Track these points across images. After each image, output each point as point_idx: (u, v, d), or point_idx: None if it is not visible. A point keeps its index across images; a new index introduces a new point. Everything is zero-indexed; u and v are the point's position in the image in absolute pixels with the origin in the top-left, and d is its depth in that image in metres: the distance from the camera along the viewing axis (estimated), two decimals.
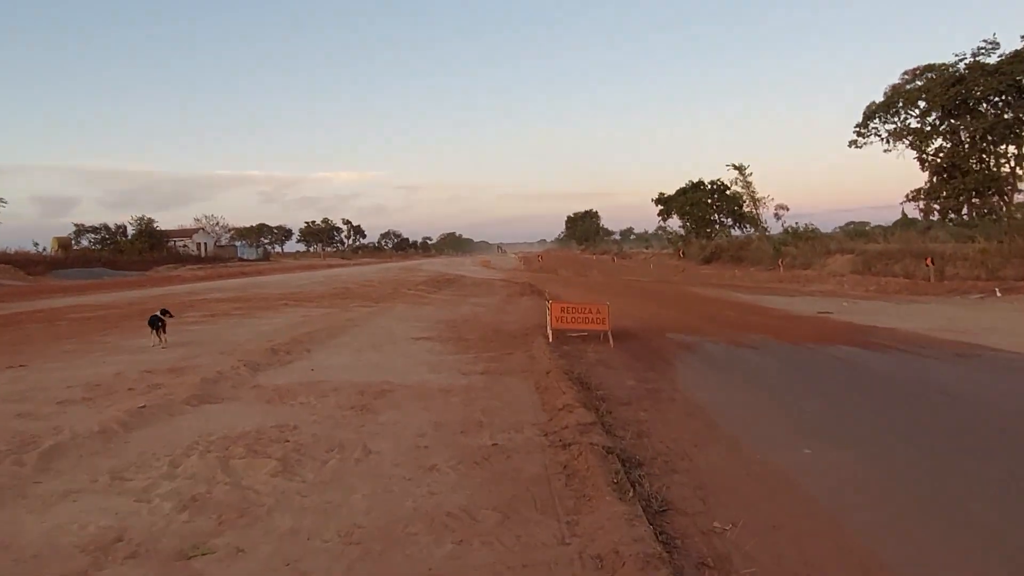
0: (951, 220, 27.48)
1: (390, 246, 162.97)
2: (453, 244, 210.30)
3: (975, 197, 25.83)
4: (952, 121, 25.48)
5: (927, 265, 22.62)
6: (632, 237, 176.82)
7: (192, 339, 12.47)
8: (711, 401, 7.24)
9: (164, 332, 11.45)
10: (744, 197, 52.16)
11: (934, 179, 26.81)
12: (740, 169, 51.51)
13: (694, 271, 44.42)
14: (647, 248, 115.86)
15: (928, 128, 26.28)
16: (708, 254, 50.56)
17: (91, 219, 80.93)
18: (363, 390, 7.65)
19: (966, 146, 25.29)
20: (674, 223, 68.41)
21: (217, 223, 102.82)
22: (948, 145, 26.08)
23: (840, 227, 46.19)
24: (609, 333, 11.37)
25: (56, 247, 74.71)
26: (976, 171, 24.83)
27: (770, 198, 51.47)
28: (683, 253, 49.11)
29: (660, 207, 70.08)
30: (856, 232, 52.68)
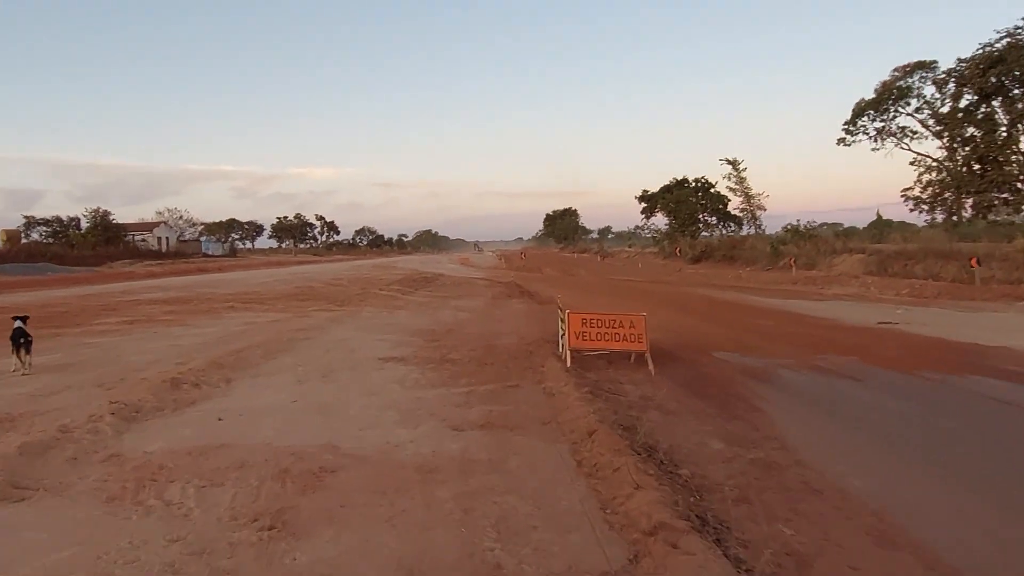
0: (984, 216, 24.94)
1: (365, 243, 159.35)
2: (430, 242, 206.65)
3: (1009, 192, 23.32)
4: (987, 107, 22.96)
5: (972, 266, 19.99)
6: (610, 236, 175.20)
7: (79, 359, 9.23)
8: (876, 492, 4.26)
9: (28, 352, 8.21)
10: (738, 193, 49.68)
11: (963, 171, 24.28)
12: (734, 164, 49.09)
13: (686, 271, 41.74)
14: (630, 247, 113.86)
15: (960, 115, 23.70)
16: (697, 253, 48.02)
17: (58, 212, 76.45)
18: (287, 469, 4.55)
19: (1002, 134, 22.76)
20: (658, 221, 66.28)
21: (180, 217, 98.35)
22: (980, 133, 23.54)
23: (783, 228, 44.18)
24: (649, 355, 8.38)
25: (5, 239, 70.01)
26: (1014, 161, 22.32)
27: (765, 195, 49.17)
28: (680, 251, 46.33)
29: (644, 204, 67.93)
30: (843, 232, 50.49)
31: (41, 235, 76.17)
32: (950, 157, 25.01)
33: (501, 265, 58.14)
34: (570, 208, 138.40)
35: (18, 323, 8.16)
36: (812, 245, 36.56)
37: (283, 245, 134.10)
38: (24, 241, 71.04)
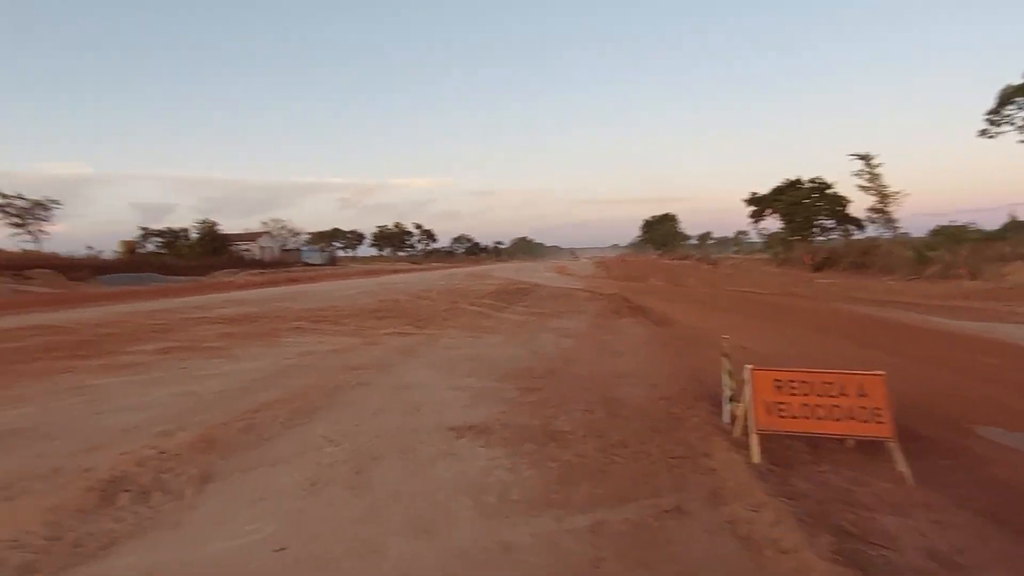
0: None
1: (462, 251, 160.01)
2: (525, 249, 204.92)
3: None
4: None
5: None
6: (711, 242, 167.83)
7: (45, 419, 6.72)
8: None
9: None
10: (871, 191, 43.81)
11: None
12: (866, 159, 43.32)
13: (812, 281, 36.75)
14: (735, 253, 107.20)
15: None
16: (820, 260, 42.67)
17: (185, 224, 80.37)
18: None
19: None
20: (768, 225, 60.84)
21: (283, 227, 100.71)
22: None
23: (930, 231, 38.07)
24: (896, 446, 4.93)
25: (123, 250, 73.29)
26: None
27: (902, 193, 43.15)
28: (812, 258, 41.15)
29: (752, 208, 62.68)
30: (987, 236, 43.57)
31: (156, 246, 79.59)
32: None
33: (600, 274, 54.49)
34: (668, 213, 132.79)
35: None
36: (972, 250, 30.96)
37: (382, 253, 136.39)
38: (140, 251, 74.23)
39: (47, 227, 62.40)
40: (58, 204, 63.78)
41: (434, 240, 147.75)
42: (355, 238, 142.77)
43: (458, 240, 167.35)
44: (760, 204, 59.78)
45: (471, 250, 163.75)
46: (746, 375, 5.28)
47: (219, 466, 4.94)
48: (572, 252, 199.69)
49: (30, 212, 60.89)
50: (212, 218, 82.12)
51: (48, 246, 59.50)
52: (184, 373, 9.43)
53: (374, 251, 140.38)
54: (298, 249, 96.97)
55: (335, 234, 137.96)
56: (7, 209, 59.01)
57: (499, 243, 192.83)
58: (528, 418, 6.44)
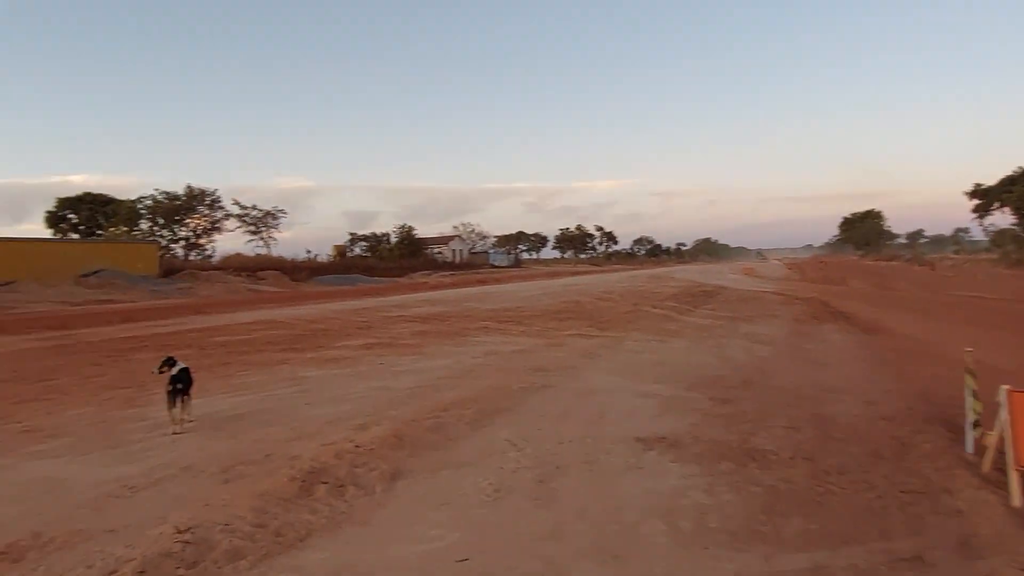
0: None
1: (643, 252, 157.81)
2: (708, 250, 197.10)
3: None
4: None
5: None
6: (923, 240, 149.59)
7: (261, 407, 7.36)
8: None
9: (187, 403, 6.41)
10: None
11: None
12: None
13: None
14: (955, 253, 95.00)
15: None
16: None
17: (387, 230, 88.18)
18: None
19: None
20: (997, 221, 52.86)
21: (473, 230, 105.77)
22: None
23: None
24: None
25: (335, 254, 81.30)
26: None
27: None
28: None
29: (977, 201, 54.92)
30: None
31: (362, 249, 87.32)
32: None
33: (793, 276, 50.65)
34: (872, 210, 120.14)
35: (177, 366, 6.39)
36: None
37: (564, 255, 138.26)
38: (349, 255, 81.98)
39: (276, 234, 71.18)
40: (284, 213, 72.35)
41: (615, 242, 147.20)
42: (539, 241, 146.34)
43: (639, 242, 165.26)
44: (986, 197, 52.27)
45: (652, 252, 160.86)
46: (1000, 397, 4.37)
47: (408, 464, 5.01)
48: (759, 253, 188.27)
49: (263, 221, 69.78)
50: (410, 223, 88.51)
51: (276, 250, 67.78)
52: (382, 369, 9.96)
53: (556, 253, 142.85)
54: (486, 252, 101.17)
55: (520, 237, 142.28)
56: (245, 219, 68.03)
57: (681, 245, 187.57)
58: (723, 432, 5.89)
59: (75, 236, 56.48)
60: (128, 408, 7.36)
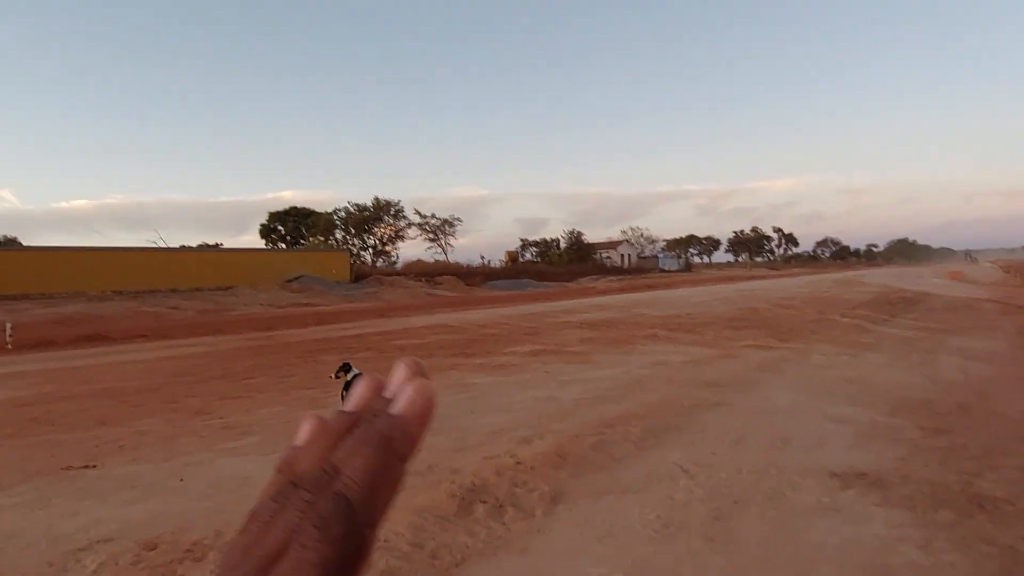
0: None
1: (827, 255, 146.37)
2: (904, 252, 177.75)
3: None
4: None
5: None
6: None
7: None
8: None
9: None
10: None
11: None
12: None
13: None
14: None
15: None
16: None
17: (557, 236, 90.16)
18: None
19: None
20: None
21: (641, 234, 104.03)
22: None
23: None
24: None
25: (507, 259, 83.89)
26: None
27: None
28: None
29: None
30: None
31: (532, 255, 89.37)
32: None
33: (1012, 281, 43.97)
34: None
35: (352, 373, 6.66)
36: None
37: (738, 259, 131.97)
38: (520, 260, 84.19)
39: (452, 241, 75.22)
40: (460, 221, 76.14)
41: (795, 244, 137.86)
42: (710, 244, 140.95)
43: (822, 243, 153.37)
44: None
45: (838, 254, 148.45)
46: None
47: (570, 486, 4.76)
48: (967, 255, 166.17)
49: (441, 229, 73.94)
50: (579, 229, 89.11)
51: (453, 256, 71.59)
52: (547, 377, 9.83)
53: (730, 257, 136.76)
54: (655, 256, 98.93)
55: (690, 241, 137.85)
56: (425, 227, 72.46)
57: (872, 246, 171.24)
58: (939, 471, 4.99)
59: (282, 246, 63.28)
60: (311, 409, 7.81)
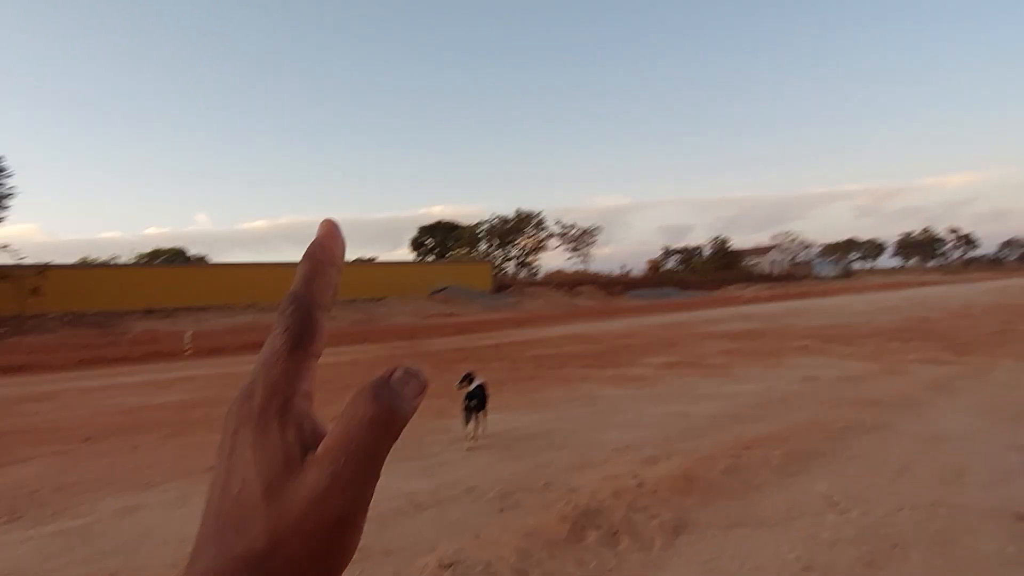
0: None
1: (1012, 258, 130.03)
2: None
3: None
4: None
5: None
6: None
7: (556, 426, 7.26)
8: None
9: (481, 420, 6.53)
10: None
11: None
12: None
13: None
14: None
15: None
16: None
17: (700, 243, 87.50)
18: None
19: None
20: None
21: (794, 239, 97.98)
22: None
23: None
24: None
25: (648, 268, 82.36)
26: None
27: None
28: None
29: None
30: None
31: (675, 263, 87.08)
32: None
33: None
34: None
35: (474, 383, 6.58)
36: None
37: (906, 264, 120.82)
38: (662, 268, 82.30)
39: (593, 250, 75.00)
40: (601, 231, 75.62)
41: (974, 246, 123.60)
42: (873, 249, 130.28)
43: (1007, 245, 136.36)
44: None
45: None
46: None
47: (695, 515, 4.32)
48: None
49: (582, 239, 74.00)
50: (724, 235, 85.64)
51: (593, 266, 71.41)
52: (681, 391, 9.29)
53: (896, 262, 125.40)
54: (809, 262, 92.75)
55: (850, 245, 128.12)
56: (566, 237, 72.87)
57: None
58: None
59: (430, 258, 66.12)
60: (437, 419, 7.85)
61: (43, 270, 30.18)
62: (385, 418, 0.34)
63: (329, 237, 0.41)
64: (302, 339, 0.37)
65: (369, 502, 0.35)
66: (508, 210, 65.82)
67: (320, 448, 0.35)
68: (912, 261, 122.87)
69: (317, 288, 0.39)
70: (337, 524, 0.34)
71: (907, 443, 6.02)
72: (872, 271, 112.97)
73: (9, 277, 28.21)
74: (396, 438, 0.35)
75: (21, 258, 31.02)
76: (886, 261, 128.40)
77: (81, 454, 6.93)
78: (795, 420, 6.98)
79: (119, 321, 29.73)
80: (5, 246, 30.76)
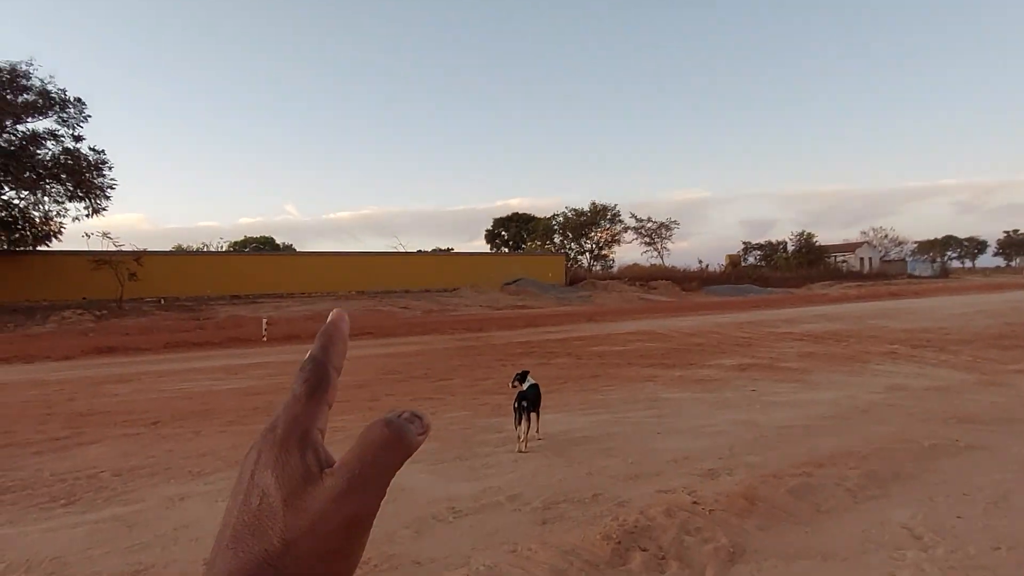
0: None
1: None
2: None
3: None
4: None
5: None
6: None
7: (615, 429, 6.94)
8: None
9: (533, 421, 6.29)
10: None
11: None
12: None
13: None
14: None
15: None
16: None
17: (785, 238, 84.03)
18: None
19: None
20: None
21: (885, 236, 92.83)
22: None
23: None
24: None
25: (727, 263, 79.80)
26: None
27: None
28: None
29: None
30: None
31: (755, 258, 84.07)
32: None
33: None
34: None
35: (527, 383, 6.34)
36: None
37: (1011, 263, 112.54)
38: (742, 264, 79.61)
39: (670, 244, 73.49)
40: (677, 224, 74.08)
41: None
42: (974, 246, 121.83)
43: None
44: None
45: None
46: None
47: (754, 540, 3.93)
48: None
49: (657, 232, 72.63)
50: (810, 230, 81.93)
51: (669, 260, 69.92)
52: (752, 396, 8.77)
53: (1000, 261, 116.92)
54: (902, 260, 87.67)
55: (947, 242, 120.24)
56: (641, 231, 71.68)
57: None
58: None
59: (504, 250, 66.37)
60: (492, 416, 7.68)
61: (140, 256, 31.95)
62: (396, 442, 0.40)
63: (339, 320, 0.50)
64: (318, 388, 0.44)
65: (377, 510, 0.40)
66: (585, 203, 65.10)
67: (338, 463, 0.41)
68: (1016, 261, 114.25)
69: (331, 353, 0.47)
70: (351, 524, 0.39)
71: (1007, 468, 5.36)
72: (971, 270, 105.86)
73: (110, 263, 29.97)
74: (403, 463, 0.40)
75: (120, 245, 32.99)
76: (987, 260, 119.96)
77: (147, 438, 7.12)
78: (876, 435, 6.40)
79: (207, 306, 31.18)
80: (106, 234, 32.77)
